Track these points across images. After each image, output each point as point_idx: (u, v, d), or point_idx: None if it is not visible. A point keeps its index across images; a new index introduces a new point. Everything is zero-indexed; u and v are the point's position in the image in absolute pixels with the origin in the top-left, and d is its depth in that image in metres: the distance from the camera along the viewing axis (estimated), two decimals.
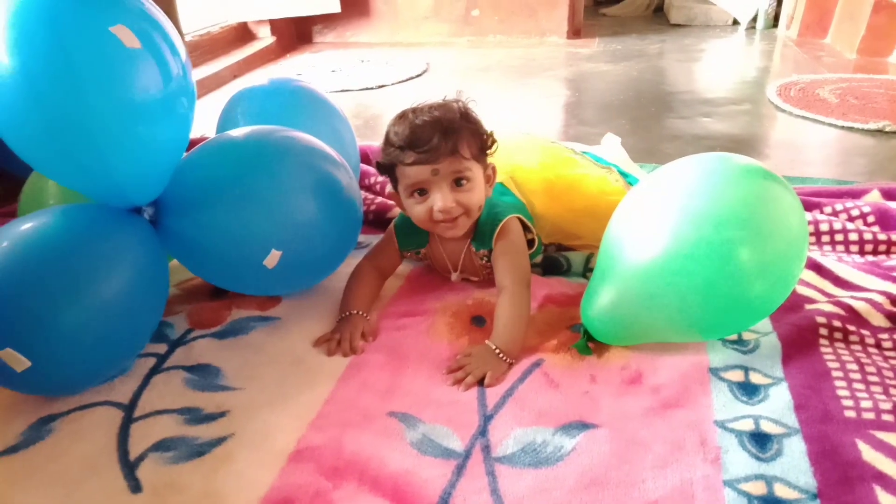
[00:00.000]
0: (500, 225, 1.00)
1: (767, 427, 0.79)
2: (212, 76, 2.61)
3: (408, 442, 0.79)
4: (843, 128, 1.86)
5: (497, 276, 1.00)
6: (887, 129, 1.82)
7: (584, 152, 1.15)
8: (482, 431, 0.80)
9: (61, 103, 0.76)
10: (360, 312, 1.01)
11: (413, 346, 0.96)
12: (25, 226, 0.84)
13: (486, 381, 0.88)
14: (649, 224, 0.88)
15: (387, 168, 0.99)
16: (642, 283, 0.87)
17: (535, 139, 1.15)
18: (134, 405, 0.88)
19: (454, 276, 1.08)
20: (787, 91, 2.18)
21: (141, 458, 0.79)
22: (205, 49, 2.82)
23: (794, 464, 0.73)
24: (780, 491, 0.70)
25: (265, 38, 3.15)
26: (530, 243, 1.05)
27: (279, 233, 0.95)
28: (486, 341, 0.93)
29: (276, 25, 3.16)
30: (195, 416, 0.85)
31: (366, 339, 0.98)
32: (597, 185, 1.09)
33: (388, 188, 1.34)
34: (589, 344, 0.93)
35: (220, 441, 0.81)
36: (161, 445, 0.80)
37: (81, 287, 0.82)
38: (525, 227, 1.04)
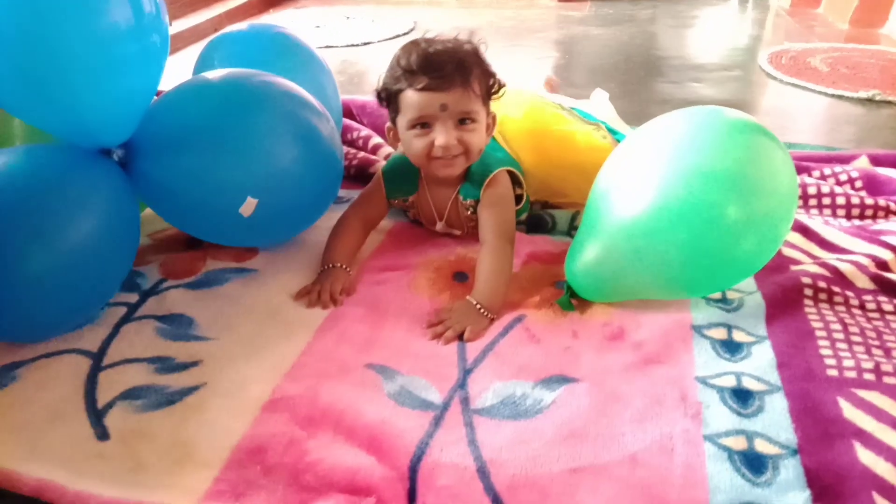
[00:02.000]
0: (491, 175, 0.97)
1: (749, 384, 0.78)
2: (191, 28, 2.52)
3: (385, 393, 0.77)
4: (833, 96, 1.84)
5: (481, 230, 0.98)
6: (877, 97, 1.80)
7: (573, 108, 1.12)
8: (461, 384, 0.79)
9: (26, 32, 0.72)
10: (343, 266, 0.98)
11: (393, 300, 0.94)
12: None
13: (466, 335, 0.86)
14: (637, 179, 0.86)
15: (388, 96, 0.95)
16: (627, 238, 0.85)
17: (523, 93, 1.12)
18: (102, 353, 0.85)
19: (439, 226, 1.05)
20: (778, 59, 2.15)
21: (109, 405, 0.76)
22: (185, 4, 2.72)
23: (775, 420, 0.73)
24: (761, 446, 0.69)
25: None
26: (518, 199, 1.02)
27: (255, 181, 0.92)
28: (467, 297, 0.91)
29: None
30: (166, 365, 0.83)
31: (344, 293, 0.95)
32: (585, 142, 1.06)
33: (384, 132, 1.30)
34: (572, 300, 0.91)
35: (191, 390, 0.78)
36: (130, 394, 0.78)
37: (46, 230, 0.79)
38: (515, 182, 1.01)
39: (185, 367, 0.82)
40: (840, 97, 1.84)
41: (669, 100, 1.80)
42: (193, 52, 2.33)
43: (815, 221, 1.11)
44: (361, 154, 1.32)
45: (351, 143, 1.38)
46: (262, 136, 0.92)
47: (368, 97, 1.52)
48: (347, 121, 1.43)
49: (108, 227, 0.84)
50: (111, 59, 0.79)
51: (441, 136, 0.90)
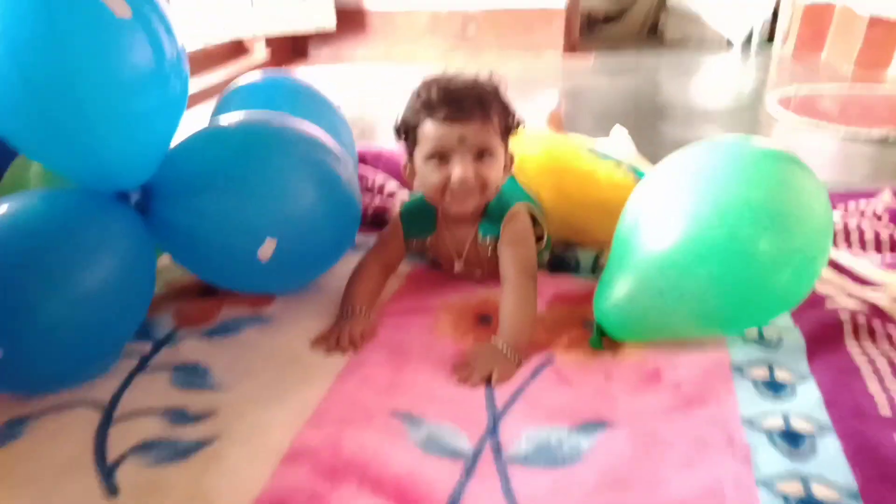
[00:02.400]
0: (510, 211, 0.95)
1: (798, 425, 0.73)
2: (204, 89, 2.57)
3: (411, 441, 0.73)
4: (846, 137, 1.84)
5: (502, 267, 0.95)
6: (892, 137, 1.79)
7: (592, 148, 1.10)
8: (492, 430, 0.75)
9: (47, 72, 0.71)
10: (362, 310, 0.95)
11: (415, 344, 0.91)
12: (1, 209, 0.78)
13: (494, 378, 0.82)
14: (666, 211, 0.84)
15: (407, 129, 0.94)
16: (659, 273, 0.82)
17: (540, 132, 1.11)
18: (114, 406, 0.81)
19: (457, 266, 1.03)
20: (787, 101, 2.16)
21: (120, 460, 0.72)
22: (198, 63, 2.78)
23: (831, 462, 0.68)
24: (819, 491, 0.65)
25: (260, 53, 3.13)
26: (538, 239, 1.00)
27: (273, 224, 0.90)
28: (492, 338, 0.87)
29: (272, 41, 3.14)
30: (180, 416, 0.79)
31: (364, 338, 0.92)
32: (607, 179, 1.05)
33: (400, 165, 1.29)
34: (602, 340, 0.87)
35: (207, 442, 0.74)
36: (142, 447, 0.74)
37: (60, 276, 0.76)
38: (534, 221, 0.99)
39: (200, 417, 0.78)
40: (854, 138, 1.83)
41: (681, 141, 1.78)
42: (207, 107, 2.38)
43: (845, 255, 1.08)
44: (378, 200, 1.30)
45: (367, 190, 1.37)
46: (280, 178, 0.91)
47: (383, 147, 1.54)
48: (363, 167, 1.43)
49: (124, 273, 0.81)
50: (133, 104, 0.78)
51: (458, 169, 0.89)
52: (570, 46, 3.06)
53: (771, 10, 3.06)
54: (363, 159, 1.48)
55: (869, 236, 1.14)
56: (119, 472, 0.70)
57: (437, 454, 0.71)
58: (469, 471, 0.69)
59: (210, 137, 0.93)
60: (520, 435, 0.74)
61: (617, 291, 0.85)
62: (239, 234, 0.89)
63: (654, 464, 0.69)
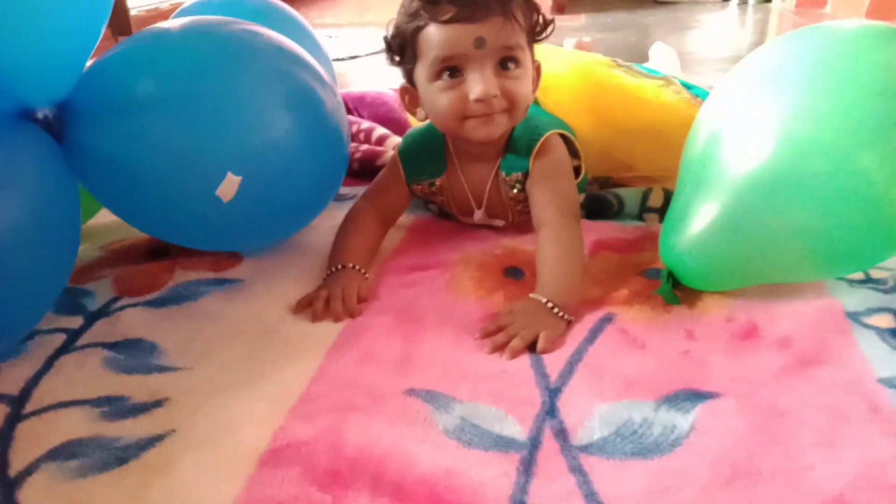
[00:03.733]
0: (542, 139, 0.75)
1: None
2: (150, 13, 2.31)
3: (440, 430, 0.53)
4: None
5: (535, 209, 0.75)
6: None
7: (631, 65, 0.90)
8: (549, 410, 0.54)
9: None
10: (356, 266, 0.74)
11: (430, 306, 0.70)
12: None
13: (540, 344, 0.62)
14: (753, 124, 0.64)
15: (402, 41, 0.73)
16: (755, 199, 0.62)
17: (565, 50, 0.90)
18: (25, 397, 0.59)
19: (477, 215, 0.82)
20: None
21: (27, 471, 0.51)
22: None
23: None
24: None
25: None
26: (575, 173, 0.80)
27: (238, 155, 0.68)
28: (532, 294, 0.67)
29: None
30: (117, 407, 0.57)
31: (361, 300, 0.71)
32: (655, 98, 0.85)
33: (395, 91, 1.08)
34: (675, 291, 0.68)
35: (153, 441, 0.53)
36: (61, 451, 0.52)
37: None
38: (570, 149, 0.79)
39: (144, 408, 0.57)
40: None
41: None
42: None
43: None
44: (365, 147, 1.09)
45: (352, 138, 1.15)
46: (244, 97, 0.69)
47: (366, 90, 1.32)
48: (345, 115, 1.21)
49: (36, 215, 0.59)
50: None
51: (478, 84, 0.68)
52: (559, 7, 2.86)
53: None
54: (345, 105, 1.26)
55: None
56: (23, 490, 0.49)
57: (480, 447, 0.51)
58: (528, 466, 0.49)
59: (149, 44, 0.71)
60: (590, 414, 0.53)
61: (694, 227, 0.66)
62: (190, 168, 0.67)
63: (784, 445, 0.50)
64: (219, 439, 0.53)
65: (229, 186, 0.68)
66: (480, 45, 0.68)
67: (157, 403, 0.57)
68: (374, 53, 2.30)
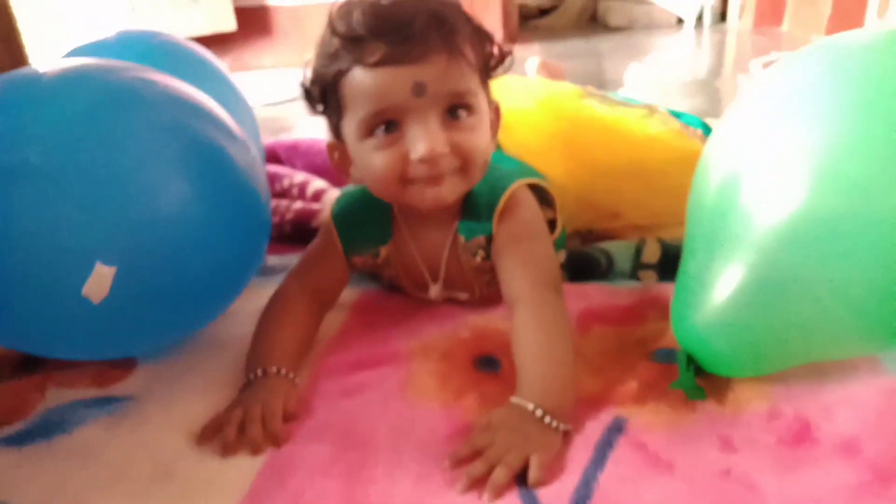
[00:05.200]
0: (505, 196, 0.60)
1: None
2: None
3: None
4: None
5: (505, 284, 0.60)
6: None
7: (606, 95, 0.77)
8: None
9: None
10: (282, 371, 0.57)
11: (380, 422, 0.53)
12: None
13: (532, 474, 0.45)
14: (780, 162, 0.50)
15: (324, 88, 0.57)
16: (781, 261, 0.48)
17: (530, 79, 0.76)
18: None
19: (433, 291, 0.66)
20: (770, 65, 1.93)
21: None
22: None
23: None
24: None
25: None
26: (551, 226, 0.65)
27: (114, 237, 0.52)
28: (512, 398, 0.51)
29: None
30: None
31: (291, 419, 0.54)
32: (640, 132, 0.70)
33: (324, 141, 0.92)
34: (698, 381, 0.52)
35: None
36: None
37: None
38: (542, 199, 0.64)
39: None
40: None
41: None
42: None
43: None
44: (298, 205, 0.92)
45: (283, 194, 0.99)
46: (127, 159, 0.53)
47: (299, 139, 1.17)
48: (274, 167, 1.05)
49: None
50: None
51: (420, 141, 0.53)
52: (510, 37, 2.78)
53: None
54: (273, 156, 1.10)
55: None
56: None
57: None
58: None
59: (7, 96, 0.54)
60: None
61: (716, 297, 0.50)
62: (51, 258, 0.50)
63: None
64: None
65: (100, 281, 0.51)
66: (420, 91, 0.52)
67: None
68: None
